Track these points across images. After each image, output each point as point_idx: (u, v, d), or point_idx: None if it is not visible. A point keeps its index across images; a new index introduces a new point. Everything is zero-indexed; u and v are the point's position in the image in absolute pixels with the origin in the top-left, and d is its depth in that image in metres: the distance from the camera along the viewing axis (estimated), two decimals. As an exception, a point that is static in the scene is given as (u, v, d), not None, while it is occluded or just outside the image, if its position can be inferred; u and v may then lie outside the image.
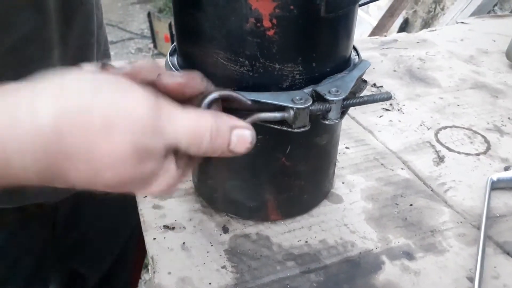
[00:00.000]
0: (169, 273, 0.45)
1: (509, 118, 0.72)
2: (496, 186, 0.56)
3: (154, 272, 0.45)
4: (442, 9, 2.10)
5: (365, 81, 0.45)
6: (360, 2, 0.43)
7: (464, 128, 0.69)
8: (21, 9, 0.39)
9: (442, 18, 2.02)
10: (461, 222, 0.52)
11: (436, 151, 0.64)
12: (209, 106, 0.33)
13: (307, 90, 0.39)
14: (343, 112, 0.40)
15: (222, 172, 0.49)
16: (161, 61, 0.89)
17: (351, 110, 0.72)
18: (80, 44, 0.49)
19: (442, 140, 0.66)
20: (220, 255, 0.47)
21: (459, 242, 0.49)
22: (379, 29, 2.04)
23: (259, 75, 0.39)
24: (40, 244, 0.51)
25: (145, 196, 0.53)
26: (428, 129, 0.69)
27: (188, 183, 0.56)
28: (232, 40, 0.38)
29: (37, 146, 0.25)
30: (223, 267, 0.46)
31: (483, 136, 0.67)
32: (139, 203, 0.53)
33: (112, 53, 0.69)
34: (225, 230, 0.50)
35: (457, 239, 0.50)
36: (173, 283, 0.44)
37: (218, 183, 0.51)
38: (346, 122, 0.70)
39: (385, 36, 1.05)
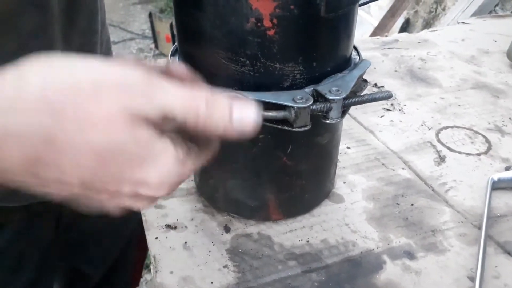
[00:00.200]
0: (171, 272, 0.45)
1: (510, 118, 0.72)
2: (497, 186, 0.56)
3: (156, 271, 0.45)
4: (443, 9, 2.10)
5: (365, 81, 0.45)
6: (360, 2, 0.43)
7: (465, 128, 0.69)
8: (25, 9, 0.40)
9: (443, 18, 2.02)
10: (462, 222, 0.52)
11: (437, 151, 0.64)
12: None
13: (308, 89, 0.39)
14: (344, 112, 0.40)
15: (223, 172, 0.50)
16: (163, 62, 0.90)
17: (352, 110, 0.72)
18: (83, 43, 0.50)
19: (443, 140, 0.66)
20: (222, 255, 0.47)
21: (460, 242, 0.50)
22: (380, 29, 2.04)
23: (260, 74, 0.39)
24: (45, 242, 0.51)
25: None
26: (429, 129, 0.69)
27: (189, 183, 0.56)
28: (232, 40, 0.38)
29: (25, 113, 0.25)
30: (225, 266, 0.46)
31: (484, 136, 0.67)
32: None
33: (113, 53, 0.69)
34: (227, 229, 0.50)
35: (458, 238, 0.50)
36: (175, 282, 0.44)
37: (220, 183, 0.51)
38: (347, 122, 0.70)
39: (386, 36, 1.06)
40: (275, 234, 0.50)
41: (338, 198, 0.55)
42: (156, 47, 3.69)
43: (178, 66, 0.31)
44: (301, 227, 0.51)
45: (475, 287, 0.43)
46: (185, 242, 0.49)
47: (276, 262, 0.47)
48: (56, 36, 0.44)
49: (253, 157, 0.46)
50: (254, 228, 0.51)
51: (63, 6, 0.44)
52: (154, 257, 0.47)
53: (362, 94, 0.42)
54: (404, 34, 1.07)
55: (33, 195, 0.29)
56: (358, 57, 0.46)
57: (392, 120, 0.71)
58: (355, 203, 0.55)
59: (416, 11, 2.29)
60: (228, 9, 0.37)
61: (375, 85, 0.80)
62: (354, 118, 0.71)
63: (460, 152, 0.64)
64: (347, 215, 0.53)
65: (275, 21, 0.36)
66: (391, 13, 2.02)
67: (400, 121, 0.71)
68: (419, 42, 0.99)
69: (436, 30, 1.08)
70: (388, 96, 0.41)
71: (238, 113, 0.29)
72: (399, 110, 0.74)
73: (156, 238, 0.49)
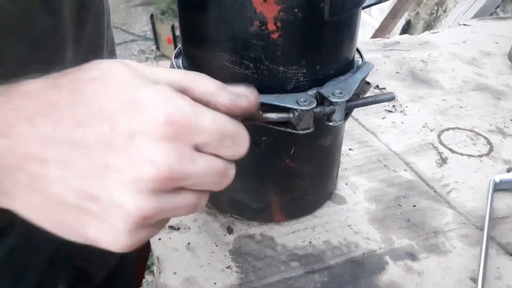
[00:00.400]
0: (175, 273, 0.45)
1: (511, 120, 0.72)
2: (499, 187, 0.57)
3: (159, 272, 0.45)
4: (445, 11, 2.10)
5: (368, 83, 0.45)
6: (364, 5, 0.43)
7: (466, 129, 0.70)
8: (37, 11, 0.40)
9: (444, 20, 2.03)
10: (464, 223, 0.53)
11: (439, 152, 0.64)
12: None
13: (311, 92, 0.39)
14: (347, 114, 0.40)
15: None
16: (165, 63, 0.90)
17: (354, 112, 0.72)
18: (91, 45, 0.50)
19: (445, 142, 0.67)
20: (225, 256, 0.48)
21: (462, 243, 0.50)
22: (382, 31, 2.04)
23: (264, 77, 0.40)
24: (51, 244, 0.51)
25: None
26: (431, 130, 0.69)
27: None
28: (236, 43, 0.39)
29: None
30: (228, 267, 0.46)
31: (485, 138, 0.67)
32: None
33: (116, 54, 0.69)
34: (230, 230, 0.51)
35: (460, 240, 0.50)
36: (178, 283, 0.44)
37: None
38: (349, 123, 0.70)
39: (388, 38, 1.06)
40: (277, 235, 0.50)
41: (340, 199, 0.56)
42: (158, 48, 3.70)
43: None
44: (304, 228, 0.51)
45: (477, 288, 0.44)
46: (188, 243, 0.49)
47: (279, 263, 0.47)
48: (66, 38, 0.44)
49: (256, 159, 0.46)
50: (257, 229, 0.51)
51: (73, 9, 0.44)
52: (158, 258, 0.47)
53: (365, 96, 0.42)
54: (405, 36, 1.07)
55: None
56: (361, 60, 0.46)
57: (394, 122, 0.71)
58: (357, 204, 0.55)
59: (417, 13, 2.29)
60: (232, 13, 0.37)
61: (377, 86, 0.81)
62: (356, 120, 0.72)
63: (462, 154, 0.64)
64: (350, 217, 0.53)
65: (279, 24, 0.37)
66: (392, 15, 2.02)
67: (402, 122, 0.71)
68: (420, 44, 0.99)
69: (438, 32, 1.08)
70: (391, 98, 0.41)
71: (231, 86, 0.30)
72: (401, 111, 0.74)
73: (159, 239, 0.49)
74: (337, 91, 0.39)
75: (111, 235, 0.26)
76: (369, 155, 0.64)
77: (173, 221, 0.52)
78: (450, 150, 0.65)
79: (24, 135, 0.25)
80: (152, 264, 1.38)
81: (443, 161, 0.63)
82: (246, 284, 0.45)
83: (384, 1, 0.50)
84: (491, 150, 0.65)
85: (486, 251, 0.47)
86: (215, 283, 0.45)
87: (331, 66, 0.41)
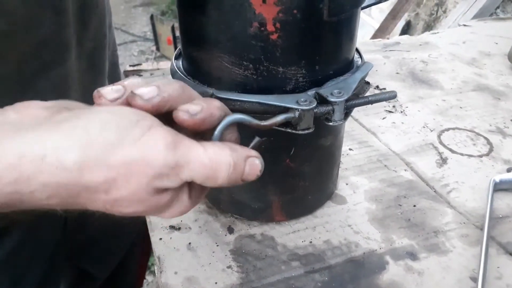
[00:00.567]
0: (176, 273, 0.46)
1: (511, 120, 0.72)
2: (499, 187, 0.57)
3: (160, 272, 0.46)
4: (444, 11, 2.11)
5: (368, 83, 0.46)
6: (363, 6, 0.43)
7: (466, 130, 0.70)
8: (42, 11, 0.40)
9: (444, 20, 2.03)
10: (464, 223, 0.53)
11: (439, 152, 0.65)
12: (223, 131, 0.32)
13: (311, 92, 0.40)
14: (346, 113, 0.40)
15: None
16: (165, 64, 0.90)
17: (354, 112, 0.73)
18: (94, 46, 0.50)
19: (445, 142, 0.67)
20: (226, 255, 0.48)
21: (462, 243, 0.50)
22: (382, 31, 2.05)
23: (263, 78, 0.40)
24: (52, 243, 0.51)
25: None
26: (431, 131, 0.69)
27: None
28: (236, 44, 0.39)
29: (60, 180, 0.26)
30: (229, 267, 0.46)
31: (485, 138, 0.68)
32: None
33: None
34: (230, 230, 0.51)
35: (460, 239, 0.50)
36: (179, 282, 0.45)
37: (223, 185, 0.51)
38: (349, 124, 0.70)
39: (388, 38, 1.06)
40: (278, 235, 0.50)
41: (340, 199, 0.56)
42: (158, 49, 3.70)
43: (191, 116, 0.31)
44: (304, 228, 0.51)
45: (478, 287, 0.44)
46: (189, 243, 0.49)
47: (280, 263, 0.47)
48: (70, 40, 0.44)
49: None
50: (257, 229, 0.51)
51: (76, 10, 0.45)
52: (159, 258, 0.47)
53: (365, 95, 0.42)
54: (405, 36, 1.07)
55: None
56: (361, 60, 0.47)
57: (394, 122, 0.71)
58: (358, 204, 0.55)
59: (417, 14, 2.30)
60: (232, 14, 0.37)
61: (377, 87, 0.81)
62: (356, 120, 0.72)
63: (462, 154, 0.64)
64: (350, 216, 0.53)
65: (278, 25, 0.37)
66: (392, 16, 2.02)
67: (402, 123, 0.71)
68: (420, 45, 1.00)
69: (437, 32, 1.08)
70: (392, 96, 0.41)
71: (248, 170, 0.32)
72: (401, 112, 0.74)
73: (160, 239, 0.50)
74: (336, 91, 0.39)
75: None
76: (370, 155, 0.64)
77: (174, 221, 0.52)
78: (450, 150, 0.65)
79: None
80: (153, 264, 1.38)
81: (443, 161, 0.63)
82: (247, 284, 0.45)
83: (383, 2, 0.50)
84: (491, 150, 0.65)
85: (486, 251, 0.47)
86: (216, 283, 0.45)
87: (330, 66, 0.42)
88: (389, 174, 0.60)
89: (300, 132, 0.38)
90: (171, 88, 0.30)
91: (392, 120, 0.72)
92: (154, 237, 0.50)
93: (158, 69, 0.87)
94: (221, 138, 0.32)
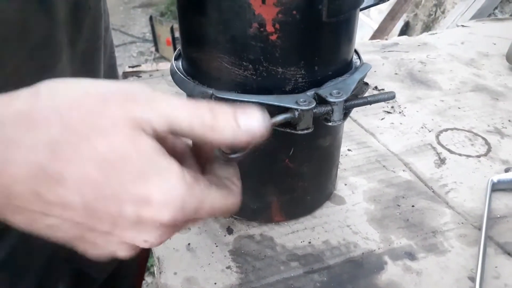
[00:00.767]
0: (175, 273, 0.46)
1: (509, 121, 0.72)
2: (497, 187, 0.57)
3: (160, 273, 0.46)
4: (443, 12, 2.11)
5: (366, 84, 0.46)
6: (361, 7, 0.44)
7: (465, 130, 0.70)
8: (34, 16, 0.40)
9: (442, 21, 2.03)
10: (462, 223, 0.53)
11: (437, 153, 0.65)
12: None
13: (310, 93, 0.40)
14: (345, 114, 0.40)
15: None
16: (164, 65, 0.91)
17: (353, 113, 0.73)
18: (88, 48, 0.50)
19: (443, 142, 0.67)
20: (225, 256, 0.48)
21: (460, 243, 0.50)
22: (380, 32, 2.05)
23: (263, 78, 0.40)
24: (51, 245, 0.51)
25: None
26: (429, 131, 0.69)
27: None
28: (236, 45, 0.39)
29: (34, 123, 0.25)
30: (228, 267, 0.47)
31: (483, 138, 0.68)
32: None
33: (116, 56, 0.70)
34: (230, 231, 0.51)
35: (459, 239, 0.51)
36: (178, 283, 0.45)
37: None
38: (348, 124, 0.71)
39: (386, 39, 1.06)
40: (277, 236, 0.51)
41: (339, 199, 0.56)
42: (157, 50, 3.70)
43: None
44: (303, 229, 0.52)
45: (476, 287, 0.44)
46: (189, 244, 0.49)
47: (279, 263, 0.47)
48: (62, 42, 0.45)
49: (255, 160, 0.47)
50: (256, 229, 0.51)
51: (68, 12, 0.45)
52: (158, 258, 0.47)
53: (364, 96, 0.43)
54: (404, 37, 1.07)
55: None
56: (359, 61, 0.47)
57: (392, 123, 0.72)
58: (356, 204, 0.55)
59: (416, 14, 2.30)
60: (231, 15, 0.38)
61: (376, 87, 0.81)
62: (355, 121, 0.72)
63: (460, 154, 0.64)
64: (349, 217, 0.53)
65: (277, 26, 0.37)
66: (391, 16, 2.03)
67: (401, 123, 0.72)
68: (419, 45, 1.00)
69: (436, 33, 1.08)
70: (391, 97, 0.42)
71: (243, 117, 0.28)
72: (400, 112, 0.75)
73: (160, 239, 0.50)
74: (335, 91, 0.39)
75: (96, 255, 0.30)
76: (368, 156, 0.64)
77: (173, 222, 0.52)
78: (449, 150, 0.65)
79: (23, 199, 0.26)
80: (152, 265, 1.38)
81: (442, 161, 0.63)
82: (246, 284, 0.45)
83: (382, 3, 0.50)
84: (489, 150, 0.65)
85: (484, 251, 0.48)
86: (215, 283, 0.45)
87: (329, 67, 0.42)
88: (387, 174, 0.60)
89: (300, 132, 0.38)
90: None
91: (390, 120, 0.72)
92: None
93: (157, 70, 0.88)
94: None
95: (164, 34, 3.49)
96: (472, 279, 0.46)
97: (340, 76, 0.43)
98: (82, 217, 0.27)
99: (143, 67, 0.89)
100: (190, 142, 0.33)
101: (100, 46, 0.54)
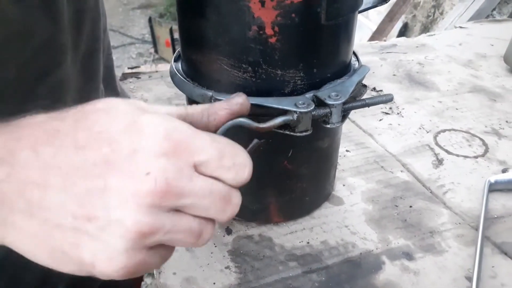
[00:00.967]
0: (174, 273, 0.46)
1: (506, 121, 0.73)
2: (494, 188, 0.57)
3: (159, 273, 0.46)
4: (441, 13, 2.12)
5: (365, 86, 0.46)
6: (360, 9, 0.44)
7: (462, 131, 0.70)
8: (38, 18, 0.41)
9: (441, 22, 2.04)
10: (459, 223, 0.53)
11: (435, 154, 0.65)
12: (223, 134, 0.33)
13: (308, 95, 0.40)
14: (344, 116, 0.41)
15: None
16: (163, 66, 0.91)
17: (351, 114, 0.73)
18: (88, 49, 0.51)
19: (441, 143, 0.67)
20: (224, 256, 0.48)
21: (457, 243, 0.51)
22: (379, 33, 2.06)
23: (262, 81, 0.40)
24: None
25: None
26: (427, 132, 0.70)
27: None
28: (235, 47, 0.39)
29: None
30: (227, 267, 0.47)
31: (481, 139, 0.68)
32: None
33: (113, 57, 0.70)
34: (229, 231, 0.51)
35: (456, 239, 0.51)
36: (178, 283, 0.45)
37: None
38: (346, 125, 0.71)
39: (385, 40, 1.07)
40: (276, 236, 0.51)
41: (337, 200, 0.56)
42: (156, 51, 3.71)
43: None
44: (302, 229, 0.52)
45: (473, 287, 0.44)
46: (188, 244, 0.50)
47: (277, 263, 0.48)
48: (66, 45, 0.45)
49: (254, 161, 0.47)
50: (255, 230, 0.52)
51: (71, 14, 0.45)
52: (158, 259, 0.48)
53: (363, 98, 0.43)
54: (402, 38, 1.08)
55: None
56: (358, 63, 0.47)
57: (390, 124, 0.72)
58: (355, 205, 0.56)
59: (414, 16, 2.31)
60: (231, 18, 0.38)
61: (374, 89, 0.82)
62: (353, 122, 0.73)
63: (457, 155, 0.65)
64: (347, 217, 0.54)
65: (276, 29, 0.38)
66: (390, 18, 2.03)
67: (399, 124, 0.72)
68: (417, 47, 1.00)
69: (434, 34, 1.09)
70: (389, 100, 0.42)
71: (232, 101, 0.33)
72: (398, 113, 0.75)
73: (160, 240, 0.50)
74: (333, 93, 0.39)
75: (107, 255, 0.26)
76: (366, 157, 0.64)
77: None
78: (446, 151, 0.66)
79: (25, 162, 0.26)
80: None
81: (439, 162, 0.64)
82: (245, 284, 0.45)
83: (380, 5, 0.51)
84: (486, 151, 0.66)
85: (481, 251, 0.48)
86: (214, 283, 0.45)
87: (328, 69, 0.42)
88: (385, 175, 0.61)
89: (298, 134, 0.39)
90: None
91: (388, 121, 0.73)
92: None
93: (156, 71, 0.88)
94: None
95: (163, 35, 3.49)
96: (469, 279, 0.46)
97: (339, 78, 0.43)
98: (76, 173, 0.26)
99: (142, 69, 0.90)
100: None
101: (99, 48, 0.55)
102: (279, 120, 0.37)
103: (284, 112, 0.38)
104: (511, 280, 0.46)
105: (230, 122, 0.33)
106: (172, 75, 0.46)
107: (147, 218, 0.26)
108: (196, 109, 0.31)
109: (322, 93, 0.40)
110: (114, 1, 4.56)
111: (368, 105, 0.42)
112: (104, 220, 0.26)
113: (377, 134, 0.69)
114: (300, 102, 0.38)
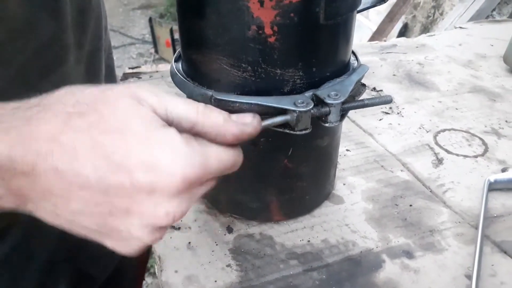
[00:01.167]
0: (176, 271, 0.46)
1: (506, 121, 0.73)
2: (494, 187, 0.58)
3: (161, 271, 0.46)
4: (441, 14, 2.12)
5: (364, 85, 0.46)
6: (359, 9, 0.44)
7: (462, 131, 0.71)
8: (42, 16, 0.41)
9: (441, 23, 2.04)
10: (459, 222, 0.54)
11: (435, 153, 0.65)
12: None
13: (308, 94, 0.41)
14: (342, 115, 0.41)
15: (225, 175, 0.51)
16: (164, 66, 0.91)
17: (351, 114, 0.74)
18: (91, 48, 0.51)
19: (440, 143, 0.68)
20: (225, 254, 0.48)
21: (457, 242, 0.51)
22: (379, 33, 2.06)
23: (261, 80, 0.41)
24: (52, 243, 0.52)
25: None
26: (427, 132, 0.70)
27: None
28: (234, 47, 0.40)
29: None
30: (228, 265, 0.47)
31: (481, 139, 0.69)
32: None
33: (114, 57, 0.70)
34: (230, 230, 0.52)
35: (456, 238, 0.51)
36: (179, 281, 0.45)
37: (222, 185, 0.52)
38: (346, 125, 0.71)
39: (385, 40, 1.07)
40: (276, 234, 0.51)
41: (338, 199, 0.57)
42: (156, 52, 3.71)
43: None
44: (302, 228, 0.52)
45: (472, 285, 0.44)
46: (189, 242, 0.50)
47: (278, 261, 0.48)
48: (69, 44, 0.45)
49: (254, 160, 0.47)
50: (256, 228, 0.52)
51: (75, 13, 0.45)
52: (159, 257, 0.48)
53: (362, 98, 0.43)
54: (402, 38, 1.08)
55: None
56: (357, 62, 0.47)
57: (390, 123, 0.72)
58: (355, 204, 0.56)
59: (414, 16, 2.31)
60: (230, 17, 0.38)
61: (374, 89, 0.82)
62: (354, 121, 0.73)
63: (457, 154, 0.65)
64: (347, 216, 0.54)
65: (275, 28, 0.38)
66: (390, 18, 2.04)
67: (399, 124, 0.72)
68: (417, 47, 1.01)
69: (434, 34, 1.09)
70: (388, 101, 0.42)
71: (235, 115, 0.33)
72: (398, 113, 0.75)
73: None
74: (332, 93, 0.40)
75: (126, 248, 0.31)
76: (366, 156, 0.65)
77: (173, 222, 0.52)
78: (446, 151, 0.66)
79: (47, 178, 0.27)
80: (152, 266, 1.38)
81: (439, 161, 0.64)
82: (246, 282, 0.46)
83: (378, 5, 0.51)
84: (486, 150, 0.66)
85: (481, 249, 0.48)
86: (215, 281, 0.46)
87: (327, 68, 0.43)
88: (385, 174, 0.61)
89: (298, 132, 0.39)
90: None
91: (388, 121, 0.73)
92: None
93: (157, 71, 0.88)
94: None
95: (163, 35, 3.49)
96: (469, 277, 0.46)
97: (338, 77, 0.43)
98: (98, 196, 0.28)
99: (143, 69, 0.90)
100: None
101: (101, 47, 0.55)
102: (278, 119, 0.38)
103: (284, 111, 0.38)
104: (511, 279, 0.46)
105: None
106: (173, 75, 0.46)
107: (161, 233, 0.31)
108: (207, 121, 0.31)
109: (322, 92, 0.40)
110: (114, 1, 4.56)
111: (367, 105, 0.42)
112: (125, 233, 0.30)
113: (377, 134, 0.70)
114: (299, 101, 0.38)
